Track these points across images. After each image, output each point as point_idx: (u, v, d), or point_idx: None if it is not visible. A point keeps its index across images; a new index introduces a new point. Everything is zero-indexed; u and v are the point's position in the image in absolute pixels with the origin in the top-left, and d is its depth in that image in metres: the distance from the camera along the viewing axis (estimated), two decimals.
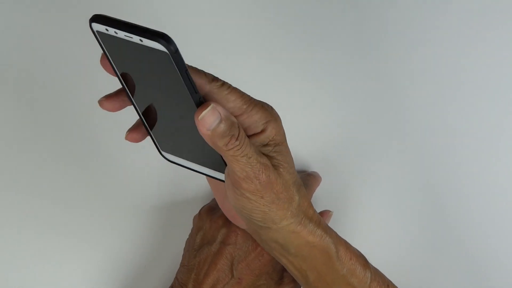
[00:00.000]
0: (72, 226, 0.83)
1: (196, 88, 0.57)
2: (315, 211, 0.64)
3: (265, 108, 0.60)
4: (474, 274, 0.82)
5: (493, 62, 0.84)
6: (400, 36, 0.85)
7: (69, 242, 0.83)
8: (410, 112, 0.85)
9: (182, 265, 0.75)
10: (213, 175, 0.63)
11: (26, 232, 0.84)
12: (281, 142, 0.61)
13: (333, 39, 0.85)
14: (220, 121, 0.56)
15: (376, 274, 0.67)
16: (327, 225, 0.65)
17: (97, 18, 0.56)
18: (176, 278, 0.75)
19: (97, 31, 0.56)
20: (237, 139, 0.57)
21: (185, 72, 0.56)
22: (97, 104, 0.78)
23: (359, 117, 0.85)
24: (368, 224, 0.82)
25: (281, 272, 0.74)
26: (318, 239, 0.63)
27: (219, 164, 0.62)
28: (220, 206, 0.69)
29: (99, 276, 0.83)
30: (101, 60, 0.59)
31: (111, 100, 0.61)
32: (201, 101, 0.57)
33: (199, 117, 0.56)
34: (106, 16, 0.56)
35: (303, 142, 0.83)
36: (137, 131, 0.63)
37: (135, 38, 0.55)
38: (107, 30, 0.56)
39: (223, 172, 0.62)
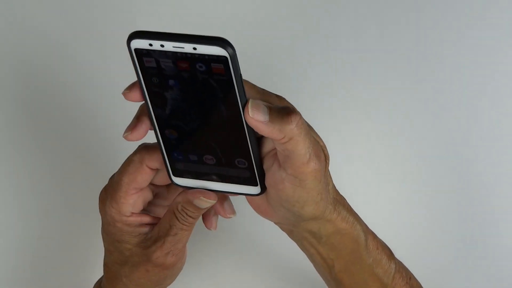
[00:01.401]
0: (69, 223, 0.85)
1: (245, 92, 0.56)
2: (342, 195, 0.63)
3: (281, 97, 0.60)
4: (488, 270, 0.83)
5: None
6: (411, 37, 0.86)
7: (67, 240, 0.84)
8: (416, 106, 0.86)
9: None
10: (239, 191, 0.61)
11: (22, 230, 0.85)
12: (310, 128, 0.60)
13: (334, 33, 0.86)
14: (268, 108, 0.56)
15: (400, 266, 0.67)
16: (355, 212, 0.64)
17: (140, 34, 0.54)
18: None
19: (135, 49, 0.54)
20: (296, 114, 0.56)
21: (240, 75, 0.54)
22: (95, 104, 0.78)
23: (363, 114, 0.86)
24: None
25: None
26: (350, 226, 0.62)
27: (250, 176, 0.60)
28: (249, 202, 0.66)
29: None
30: (126, 92, 0.57)
31: (136, 132, 0.59)
32: None
33: (250, 113, 0.55)
34: (149, 30, 0.54)
35: None
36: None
37: (188, 47, 0.53)
38: (150, 45, 0.54)
39: (254, 185, 0.60)
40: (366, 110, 0.89)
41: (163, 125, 0.58)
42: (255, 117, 0.55)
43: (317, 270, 0.68)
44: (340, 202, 0.62)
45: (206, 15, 0.91)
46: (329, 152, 0.60)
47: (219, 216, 0.65)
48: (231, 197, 0.64)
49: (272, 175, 0.59)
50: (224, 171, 0.60)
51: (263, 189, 0.61)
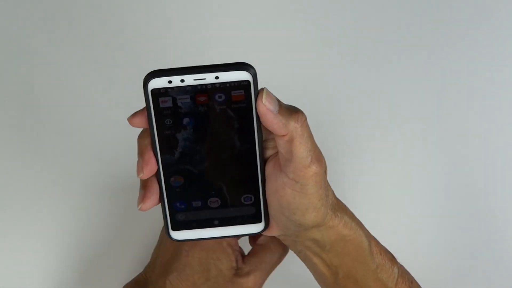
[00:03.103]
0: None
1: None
2: (342, 202, 0.64)
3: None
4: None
5: None
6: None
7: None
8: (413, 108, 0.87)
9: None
10: (242, 232, 0.62)
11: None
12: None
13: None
14: (279, 102, 0.57)
15: (402, 271, 0.68)
16: (358, 219, 0.65)
17: (158, 73, 0.54)
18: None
19: (152, 89, 0.54)
20: (303, 114, 0.57)
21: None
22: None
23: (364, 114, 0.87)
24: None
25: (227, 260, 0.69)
26: (353, 232, 0.63)
27: (255, 213, 0.61)
28: None
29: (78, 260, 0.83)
30: (130, 118, 0.58)
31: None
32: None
33: (263, 100, 0.55)
34: (166, 68, 0.54)
35: None
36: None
37: (209, 77, 0.54)
38: (170, 82, 0.54)
39: (258, 221, 0.61)
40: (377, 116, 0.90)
41: (170, 173, 0.58)
42: (267, 105, 0.56)
43: (318, 280, 0.68)
44: (341, 208, 0.63)
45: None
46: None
47: None
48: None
49: (274, 181, 0.60)
50: (228, 213, 0.61)
51: (267, 224, 0.62)
